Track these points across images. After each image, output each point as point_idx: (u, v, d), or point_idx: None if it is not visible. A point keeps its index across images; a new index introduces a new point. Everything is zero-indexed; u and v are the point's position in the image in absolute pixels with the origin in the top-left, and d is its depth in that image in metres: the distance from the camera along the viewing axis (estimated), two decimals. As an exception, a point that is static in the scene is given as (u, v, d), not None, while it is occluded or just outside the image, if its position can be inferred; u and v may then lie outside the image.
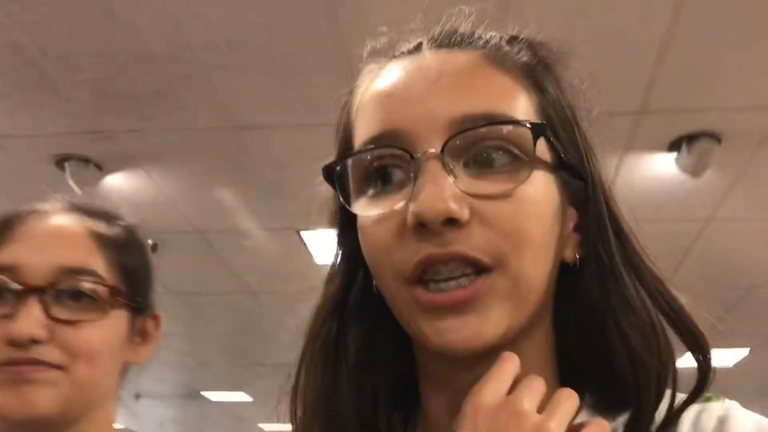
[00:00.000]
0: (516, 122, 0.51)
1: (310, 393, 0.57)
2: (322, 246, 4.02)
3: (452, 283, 0.49)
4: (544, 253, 0.52)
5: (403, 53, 0.56)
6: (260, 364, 6.29)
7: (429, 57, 0.54)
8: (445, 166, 0.50)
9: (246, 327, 5.69)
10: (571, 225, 0.55)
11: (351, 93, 0.58)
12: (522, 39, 0.58)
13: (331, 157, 0.56)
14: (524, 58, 0.56)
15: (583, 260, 0.54)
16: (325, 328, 0.58)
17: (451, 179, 0.49)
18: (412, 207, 0.49)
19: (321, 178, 0.55)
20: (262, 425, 9.21)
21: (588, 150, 0.55)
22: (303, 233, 3.97)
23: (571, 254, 0.55)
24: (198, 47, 2.50)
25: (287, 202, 3.52)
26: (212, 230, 4.07)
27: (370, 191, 0.52)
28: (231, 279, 4.71)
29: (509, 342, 0.51)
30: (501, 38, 0.57)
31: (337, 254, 0.59)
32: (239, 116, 2.95)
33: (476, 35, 0.56)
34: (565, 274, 0.55)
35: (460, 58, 0.53)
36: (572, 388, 0.51)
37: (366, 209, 0.53)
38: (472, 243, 0.49)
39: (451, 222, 0.49)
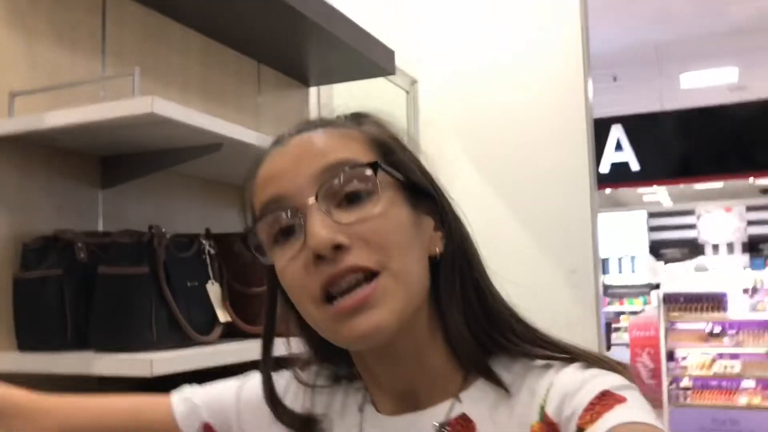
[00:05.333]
0: (358, 164, 0.66)
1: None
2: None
3: (351, 292, 0.63)
4: (412, 253, 0.67)
5: (272, 146, 0.72)
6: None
7: (292, 141, 0.69)
8: (320, 209, 0.64)
9: None
10: (429, 229, 0.70)
11: (248, 188, 0.72)
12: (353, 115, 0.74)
13: None
14: (361, 124, 0.72)
15: (444, 253, 0.70)
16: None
17: (328, 218, 0.64)
18: (307, 244, 0.63)
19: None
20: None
21: (427, 173, 0.72)
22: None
23: (434, 250, 0.70)
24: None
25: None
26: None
27: (279, 246, 0.67)
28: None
29: (403, 327, 0.65)
30: (341, 117, 0.74)
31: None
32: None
33: (325, 120, 0.72)
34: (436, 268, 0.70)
35: (313, 133, 0.69)
36: (471, 354, 0.68)
37: (279, 258, 0.67)
38: (358, 258, 0.63)
39: (339, 247, 0.63)
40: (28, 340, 1.20)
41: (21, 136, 1.20)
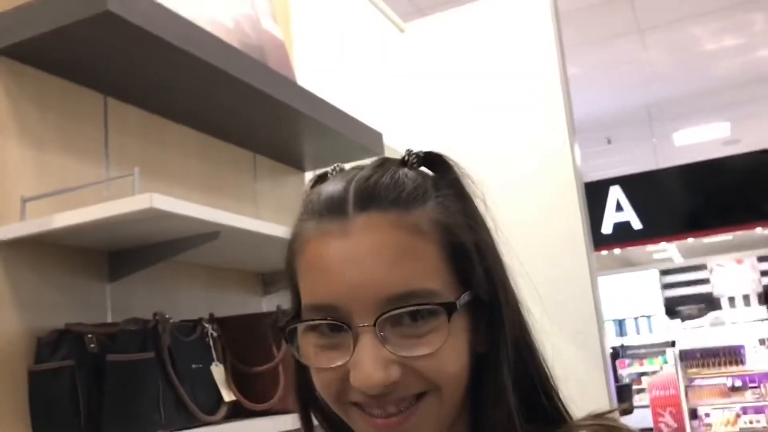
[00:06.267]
0: (431, 304, 0.60)
1: None
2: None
3: (392, 408, 0.61)
4: (463, 377, 0.63)
5: (333, 208, 0.63)
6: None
7: (356, 228, 0.61)
8: (377, 335, 0.59)
9: None
10: (482, 329, 0.65)
11: (296, 243, 0.66)
12: (426, 176, 0.68)
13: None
14: (433, 212, 0.64)
15: (489, 351, 0.65)
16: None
17: (384, 348, 0.59)
18: (355, 377, 0.59)
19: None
20: None
21: (497, 270, 0.67)
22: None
23: (481, 349, 0.65)
24: None
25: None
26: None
27: (315, 339, 0.63)
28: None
29: None
30: (412, 184, 0.65)
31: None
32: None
33: (390, 187, 0.63)
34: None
35: (382, 232, 0.61)
36: None
37: (312, 359, 0.63)
38: (405, 388, 0.60)
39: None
40: (43, 431, 1.26)
41: (32, 237, 1.29)
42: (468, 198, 0.68)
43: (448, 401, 0.62)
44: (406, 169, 0.67)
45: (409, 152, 0.69)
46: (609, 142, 7.08)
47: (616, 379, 7.82)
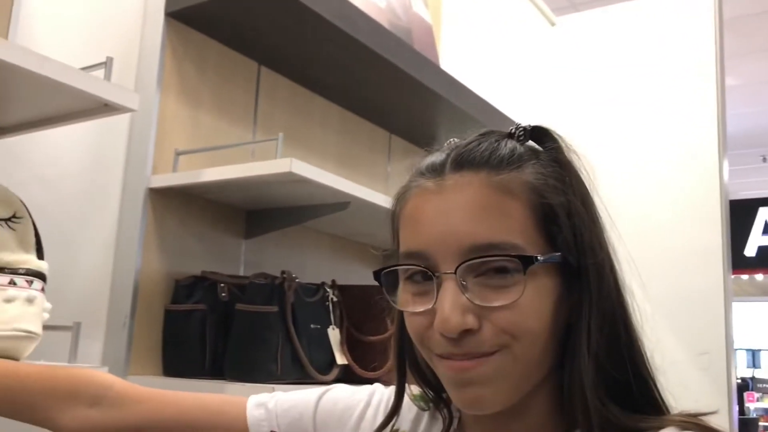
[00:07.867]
0: (509, 256, 0.62)
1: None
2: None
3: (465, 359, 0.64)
4: (541, 336, 0.64)
5: (433, 169, 0.68)
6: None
7: (449, 184, 0.66)
8: (458, 283, 0.63)
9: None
10: (576, 296, 0.66)
11: (400, 200, 0.72)
12: (526, 145, 0.69)
13: None
14: (525, 175, 0.66)
15: (578, 323, 0.66)
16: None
17: (463, 296, 0.63)
18: (436, 321, 0.64)
19: None
20: None
21: (588, 237, 0.66)
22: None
23: (572, 319, 0.66)
24: None
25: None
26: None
27: (410, 287, 0.68)
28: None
29: (514, 405, 0.66)
30: (508, 149, 0.68)
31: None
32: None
33: (487, 153, 0.67)
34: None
35: (472, 188, 0.65)
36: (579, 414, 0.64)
37: (406, 300, 0.68)
38: (482, 342, 0.63)
39: (466, 330, 0.63)
40: (172, 366, 1.38)
41: (181, 188, 1.40)
42: (566, 166, 0.69)
43: (522, 357, 0.64)
44: (509, 140, 0.69)
45: (517, 126, 0.71)
46: (765, 160, 6.62)
47: (742, 411, 7.36)
